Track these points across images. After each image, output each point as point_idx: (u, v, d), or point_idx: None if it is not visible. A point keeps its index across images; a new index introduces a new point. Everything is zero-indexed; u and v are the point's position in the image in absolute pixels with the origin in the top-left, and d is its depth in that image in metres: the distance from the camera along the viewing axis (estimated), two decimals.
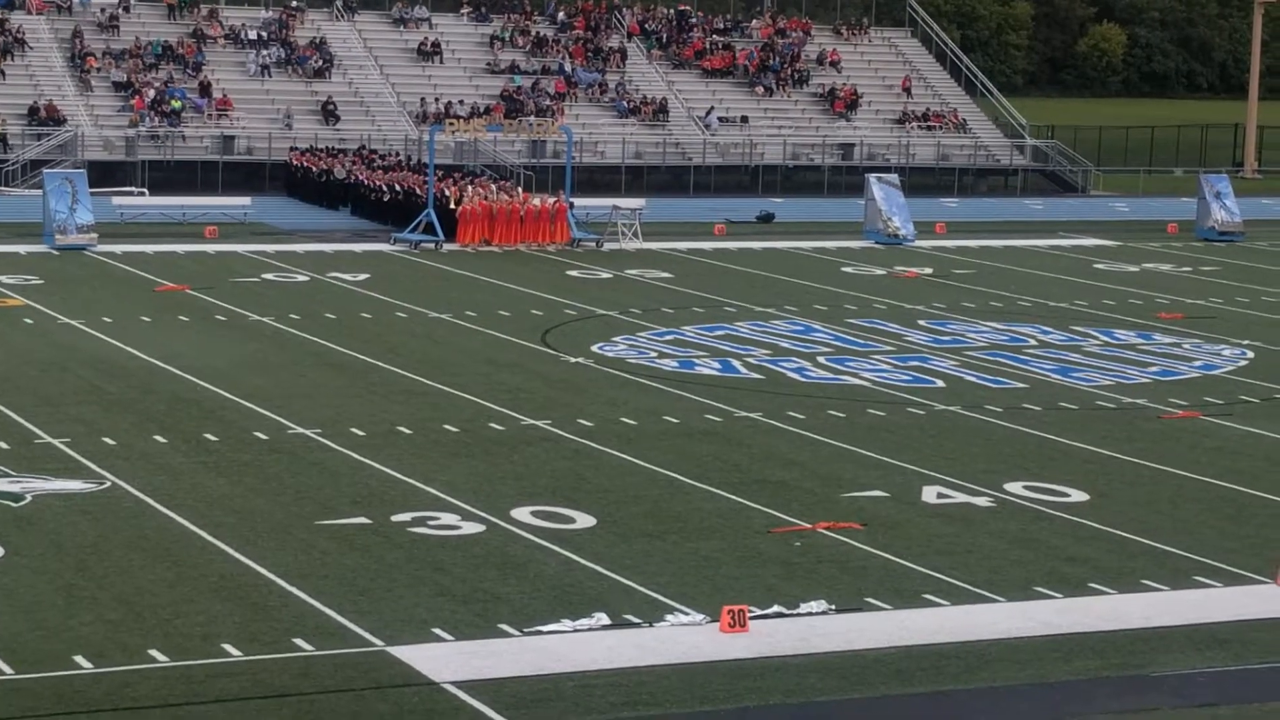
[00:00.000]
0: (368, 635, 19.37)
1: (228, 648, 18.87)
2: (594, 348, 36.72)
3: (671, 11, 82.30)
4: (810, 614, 20.54)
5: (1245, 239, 59.26)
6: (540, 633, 19.66)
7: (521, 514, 24.19)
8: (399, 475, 26.07)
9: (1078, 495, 26.09)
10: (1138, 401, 32.99)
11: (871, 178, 57.93)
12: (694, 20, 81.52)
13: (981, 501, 25.65)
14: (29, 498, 24.27)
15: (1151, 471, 27.77)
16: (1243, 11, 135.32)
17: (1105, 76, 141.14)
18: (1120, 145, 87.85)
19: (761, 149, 73.76)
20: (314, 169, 62.34)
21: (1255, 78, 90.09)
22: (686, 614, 20.36)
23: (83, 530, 22.91)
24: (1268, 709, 18.05)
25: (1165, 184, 79.93)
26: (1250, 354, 38.21)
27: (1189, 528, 24.59)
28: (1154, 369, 36.26)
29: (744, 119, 75.05)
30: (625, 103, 74.11)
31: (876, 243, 55.73)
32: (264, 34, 73.20)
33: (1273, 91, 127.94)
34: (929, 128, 77.26)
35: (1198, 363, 37.14)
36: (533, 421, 29.81)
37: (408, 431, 28.88)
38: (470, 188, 53.61)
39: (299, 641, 19.12)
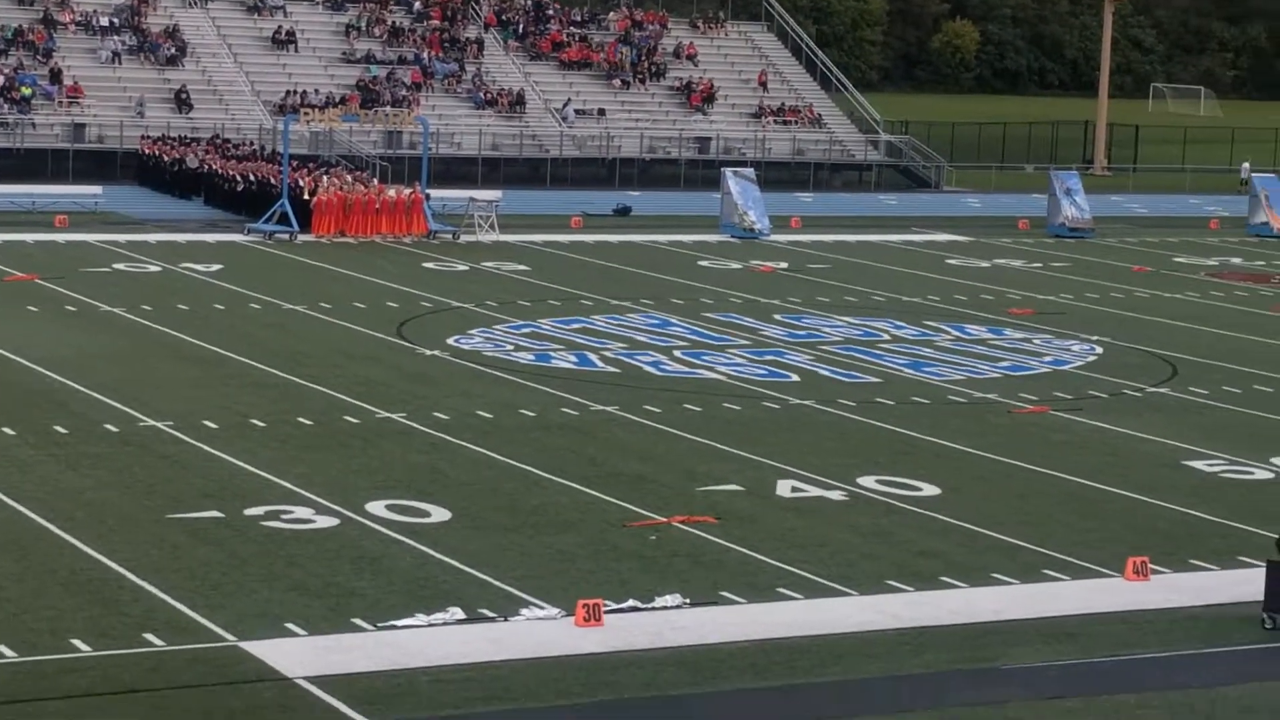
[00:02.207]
0: (220, 630, 19.21)
1: (77, 643, 18.66)
2: (450, 340, 36.61)
3: (528, 3, 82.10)
4: (665, 608, 20.60)
5: (1095, 235, 60.01)
6: (395, 627, 19.59)
7: (376, 508, 24.09)
8: (252, 468, 25.88)
9: (930, 490, 26.33)
10: (989, 396, 33.34)
11: (727, 172, 58.14)
12: (551, 12, 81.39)
13: (835, 495, 25.82)
14: None
15: (1002, 466, 28.07)
16: (1093, 10, 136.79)
17: (959, 73, 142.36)
18: (973, 141, 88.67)
19: (618, 142, 73.81)
20: (166, 158, 61.70)
21: (1105, 75, 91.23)
22: (542, 608, 20.35)
23: None
24: (1116, 701, 18.30)
25: (1017, 180, 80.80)
26: (1099, 349, 38.71)
27: (1039, 522, 24.89)
28: (1005, 364, 36.65)
29: (601, 112, 75.07)
30: (482, 94, 73.91)
31: (732, 237, 55.95)
32: (116, 20, 72.31)
33: (1122, 89, 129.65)
34: (785, 123, 77.64)
35: (1048, 358, 37.58)
36: (388, 414, 29.69)
37: (261, 424, 28.67)
38: (325, 178, 53.28)
39: (150, 637, 18.94)
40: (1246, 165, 71.36)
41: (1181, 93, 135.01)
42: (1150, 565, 22.63)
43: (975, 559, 23.04)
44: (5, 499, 23.79)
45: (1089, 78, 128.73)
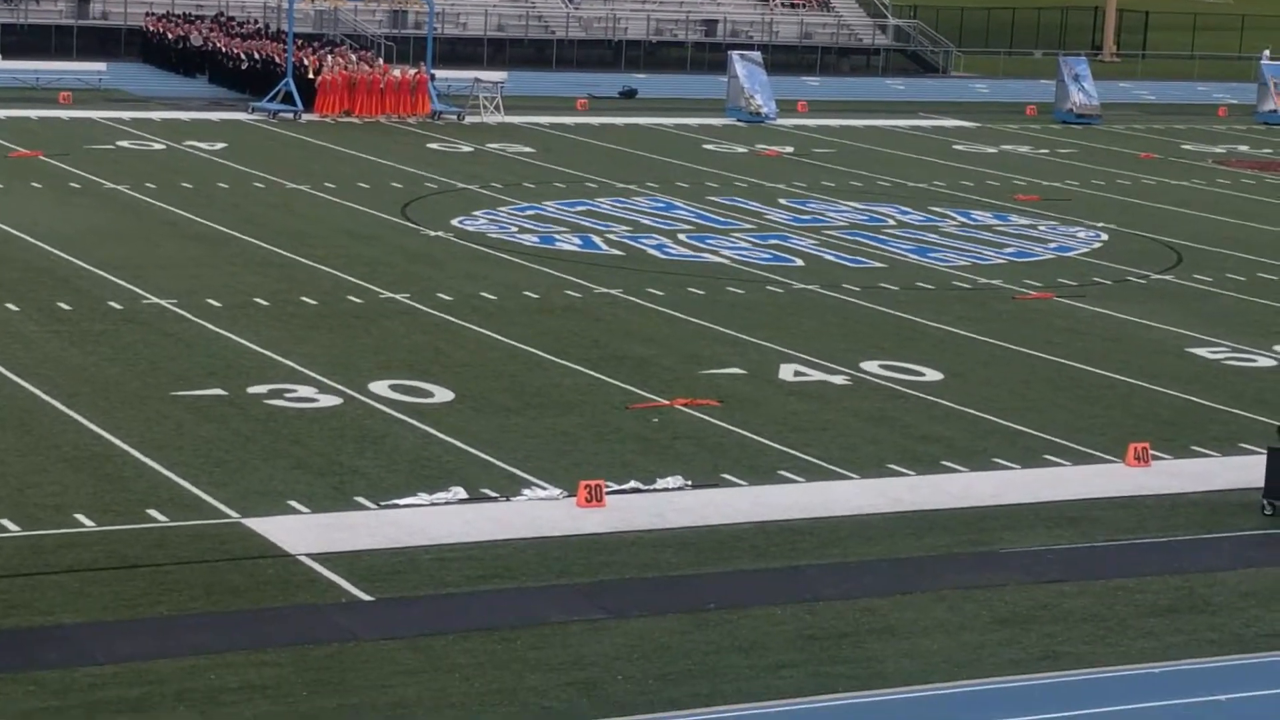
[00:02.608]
0: (223, 507, 19.30)
1: (80, 518, 18.74)
2: (454, 221, 36.55)
3: None
4: (666, 489, 20.68)
5: (1102, 122, 59.74)
6: (397, 506, 19.67)
7: (379, 387, 24.13)
8: (255, 347, 25.91)
9: (932, 375, 26.36)
10: (993, 282, 33.31)
11: (734, 55, 57.81)
12: None
13: (838, 380, 25.85)
14: None
15: (1005, 352, 28.08)
16: None
17: None
18: (981, 26, 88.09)
19: (625, 24, 73.38)
20: (171, 35, 61.37)
21: None
22: (544, 488, 20.43)
23: None
24: (1113, 585, 18.39)
25: (1025, 66, 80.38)
26: (1104, 236, 38.63)
27: (1040, 407, 24.93)
28: (1010, 250, 36.59)
29: None
30: None
31: (738, 120, 55.72)
32: None
33: None
34: (792, 6, 77.13)
35: (1053, 244, 37.51)
36: (391, 295, 29.68)
37: (264, 303, 28.67)
38: (330, 58, 53.01)
39: (153, 512, 19.02)
40: (1267, 53, 70.86)
41: None
42: (1151, 451, 22.68)
43: (976, 444, 23.10)
44: (9, 374, 23.83)
45: None
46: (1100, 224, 40.04)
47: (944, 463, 22.25)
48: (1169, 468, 22.48)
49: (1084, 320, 30.62)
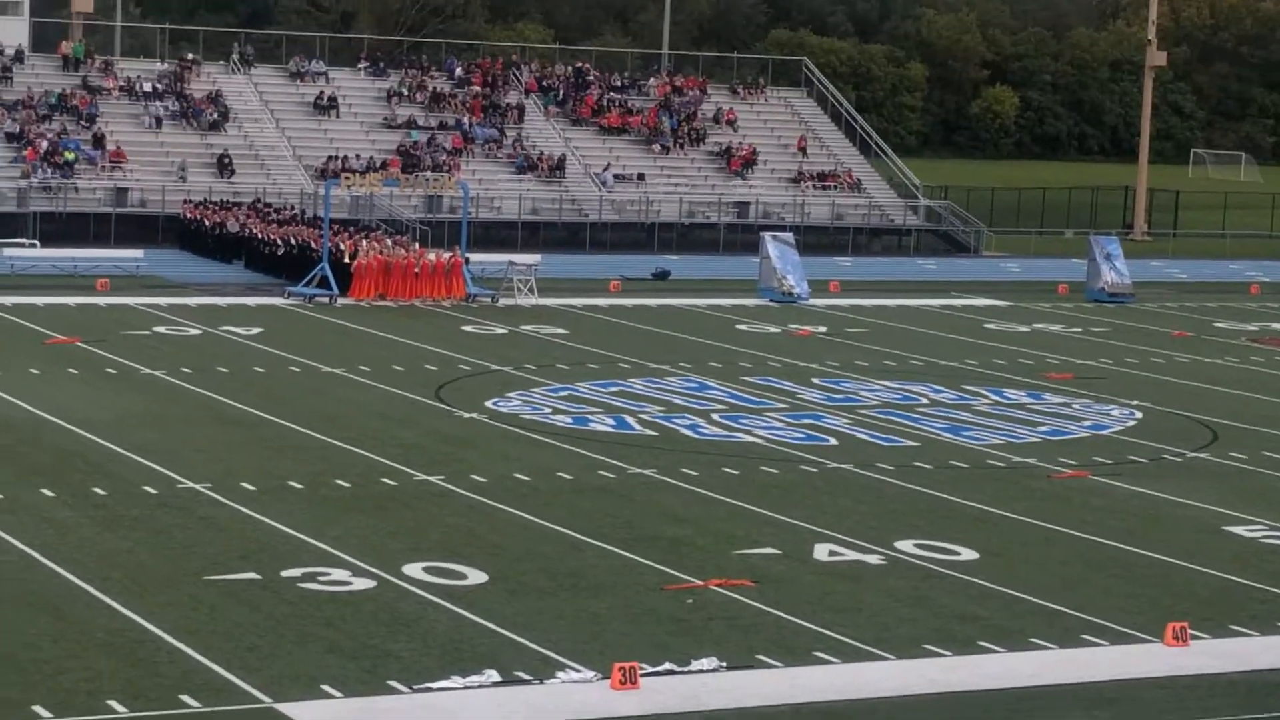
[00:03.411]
0: (256, 692, 19.21)
1: (114, 704, 18.66)
2: (488, 403, 36.66)
3: (569, 69, 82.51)
4: (701, 671, 20.54)
5: (1135, 300, 59.90)
6: (430, 689, 19.56)
7: (413, 570, 24.08)
8: (289, 530, 25.91)
9: (968, 554, 26.23)
10: (1028, 460, 33.24)
11: (767, 236, 58.18)
12: (591, 78, 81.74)
13: (873, 559, 25.74)
14: None
15: (1041, 530, 27.96)
16: (1133, 76, 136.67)
17: (998, 138, 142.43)
18: (1013, 206, 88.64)
19: (658, 206, 73.99)
20: (207, 222, 62.03)
21: (1145, 141, 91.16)
22: (578, 671, 20.31)
23: None
24: None
25: (1056, 245, 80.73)
26: (1139, 414, 38.58)
27: (1078, 587, 24.77)
28: (1044, 428, 36.55)
29: (640, 176, 75.26)
30: (522, 159, 74.20)
31: (771, 301, 55.96)
32: (159, 86, 72.83)
33: (1162, 155, 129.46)
34: (824, 187, 77.74)
35: (1087, 422, 37.46)
36: (425, 477, 29.71)
37: (299, 486, 28.72)
38: (365, 242, 53.49)
39: (186, 698, 18.94)
40: None
41: (1222, 158, 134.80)
42: (1190, 631, 22.48)
43: (1013, 623, 22.94)
44: (43, 559, 23.85)
45: (1129, 144, 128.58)
46: (1135, 402, 40.01)
47: (981, 643, 22.08)
48: (1208, 648, 22.27)
49: (1120, 499, 30.50)
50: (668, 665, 20.58)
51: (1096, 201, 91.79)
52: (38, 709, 18.38)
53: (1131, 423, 37.68)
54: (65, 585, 22.83)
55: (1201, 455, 34.50)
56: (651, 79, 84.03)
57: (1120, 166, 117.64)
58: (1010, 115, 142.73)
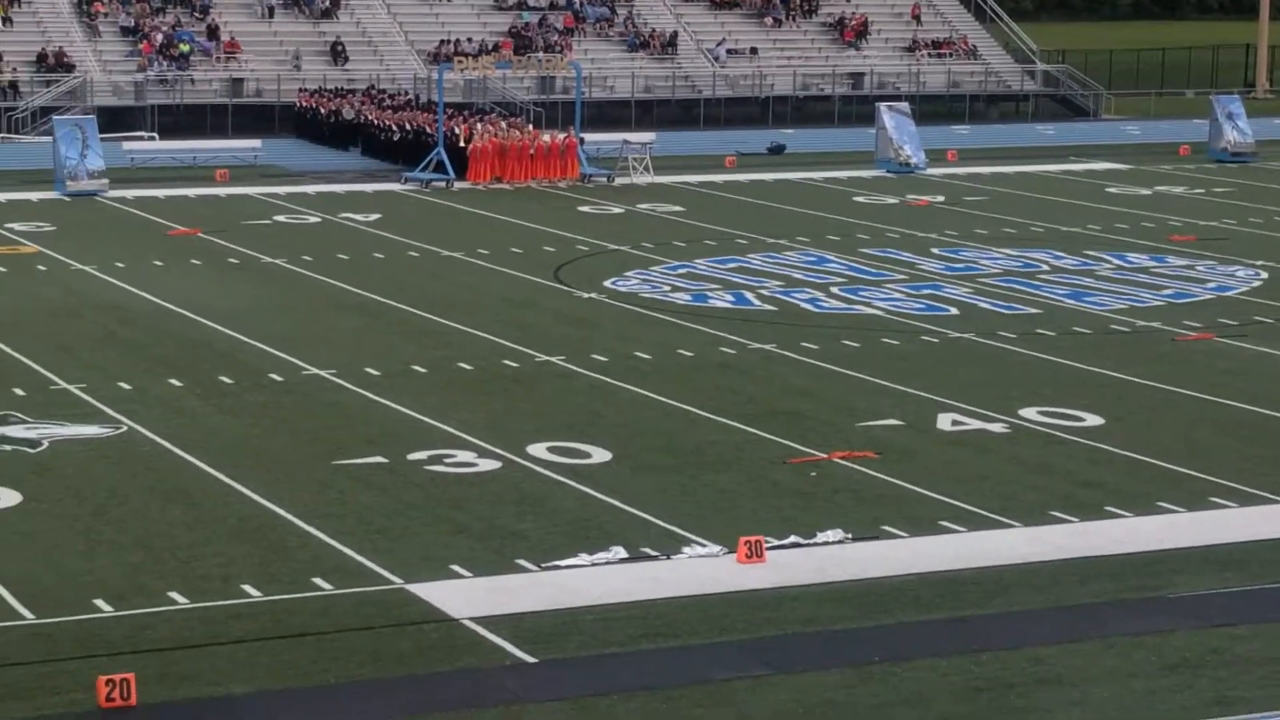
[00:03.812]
0: (386, 573, 19.45)
1: (247, 588, 18.96)
2: (607, 283, 36.71)
3: None
4: (827, 543, 20.61)
5: (1258, 160, 59.06)
6: (558, 567, 19.73)
7: (537, 450, 24.25)
8: (414, 414, 26.13)
9: (1093, 420, 26.10)
10: (1152, 324, 32.96)
11: (882, 106, 57.76)
12: None
13: (996, 428, 25.66)
14: (46, 444, 24.35)
15: (1166, 394, 27.76)
16: None
17: (1115, 0, 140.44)
18: (1131, 68, 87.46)
19: (771, 80, 73.52)
20: (323, 110, 62.22)
21: None
22: (704, 546, 20.42)
23: (100, 475, 23.00)
24: None
25: (1177, 106, 79.63)
26: (1264, 275, 38.14)
27: (1204, 450, 24.61)
28: (1168, 291, 36.21)
29: (753, 50, 74.77)
30: (634, 37, 73.86)
31: (888, 171, 55.61)
32: None
33: None
34: (939, 55, 76.96)
35: (1211, 284, 37.08)
36: (547, 358, 29.84)
37: (422, 370, 28.93)
38: (480, 125, 53.52)
39: (318, 581, 19.21)
40: None
41: None
42: None
43: (1140, 488, 22.83)
44: (173, 449, 24.19)
45: (1248, 1, 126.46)
46: (1260, 262, 39.54)
47: (1107, 508, 22.00)
48: None
49: (1246, 360, 30.21)
50: (793, 538, 20.66)
51: (1217, 60, 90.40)
52: (174, 594, 18.71)
53: (1257, 283, 37.25)
54: (196, 473, 23.16)
55: None
56: None
57: (1240, 24, 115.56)
58: None
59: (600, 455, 24.10)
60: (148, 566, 19.61)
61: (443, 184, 51.15)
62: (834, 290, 36.04)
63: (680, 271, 38.12)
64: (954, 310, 34.15)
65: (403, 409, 26.41)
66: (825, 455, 24.07)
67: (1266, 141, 62.46)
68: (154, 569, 19.53)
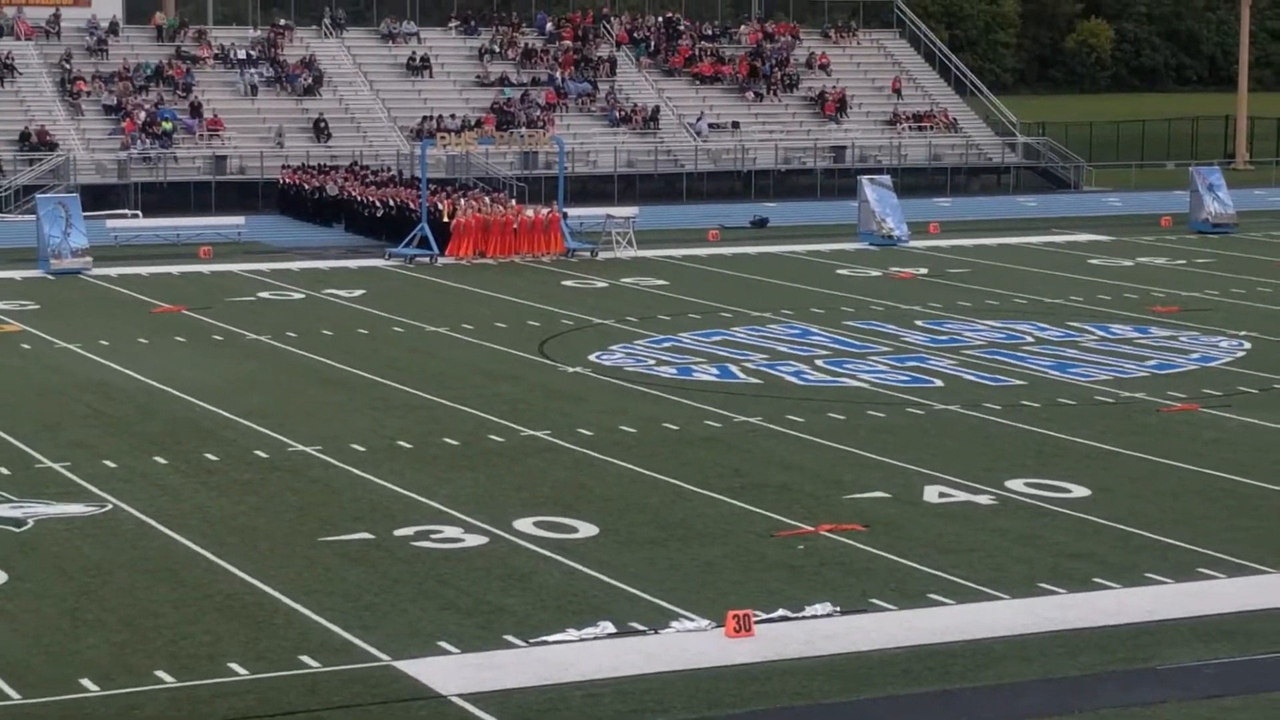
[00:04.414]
0: (374, 650, 19.38)
1: (234, 666, 18.88)
2: (591, 357, 36.74)
3: (659, 19, 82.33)
4: (815, 616, 20.56)
5: (1239, 230, 59.30)
6: (546, 643, 19.67)
7: (524, 525, 24.21)
8: (400, 490, 26.09)
9: (1079, 491, 26.11)
10: (1136, 395, 33.02)
11: (864, 179, 57.96)
12: (682, 28, 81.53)
13: (983, 499, 25.67)
14: (31, 522, 24.28)
15: (1152, 465, 27.79)
16: (1230, 4, 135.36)
17: (1094, 72, 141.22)
18: (1111, 140, 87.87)
19: (753, 154, 73.79)
20: (306, 186, 62.36)
21: (1244, 69, 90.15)
22: (691, 620, 20.37)
23: (86, 553, 22.93)
24: (1274, 698, 18.06)
25: (1157, 178, 79.97)
26: (1247, 345, 38.24)
27: (1191, 520, 24.62)
28: (1151, 362, 36.29)
29: (735, 124, 75.07)
30: (616, 112, 74.16)
31: (871, 244, 55.76)
32: (253, 53, 73.21)
33: (1261, 83, 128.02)
34: (920, 128, 77.31)
35: (1195, 355, 37.17)
36: (532, 432, 29.83)
37: (408, 445, 28.90)
38: (463, 201, 53.64)
39: (305, 658, 19.14)
40: None
41: None
42: None
43: (1128, 559, 22.82)
44: (159, 527, 24.13)
45: (1227, 72, 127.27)
46: (1243, 332, 39.66)
47: (1095, 580, 21.99)
48: None
49: (1231, 430, 30.26)
50: (781, 612, 20.62)
51: (1197, 132, 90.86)
52: (161, 673, 18.63)
53: (1240, 353, 37.36)
54: (183, 551, 23.09)
55: None
56: (743, 26, 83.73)
57: (1219, 96, 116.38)
58: (1106, 48, 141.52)
59: (587, 529, 24.07)
60: (134, 645, 19.53)
61: (426, 259, 51.22)
62: (819, 363, 36.08)
63: (665, 345, 38.16)
64: (939, 382, 34.19)
65: (389, 484, 26.37)
66: (813, 528, 24.05)
67: (1247, 212, 62.74)
68: (140, 648, 19.44)
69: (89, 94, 69.21)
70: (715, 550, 23.14)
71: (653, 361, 36.29)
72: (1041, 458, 28.23)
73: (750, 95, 77.45)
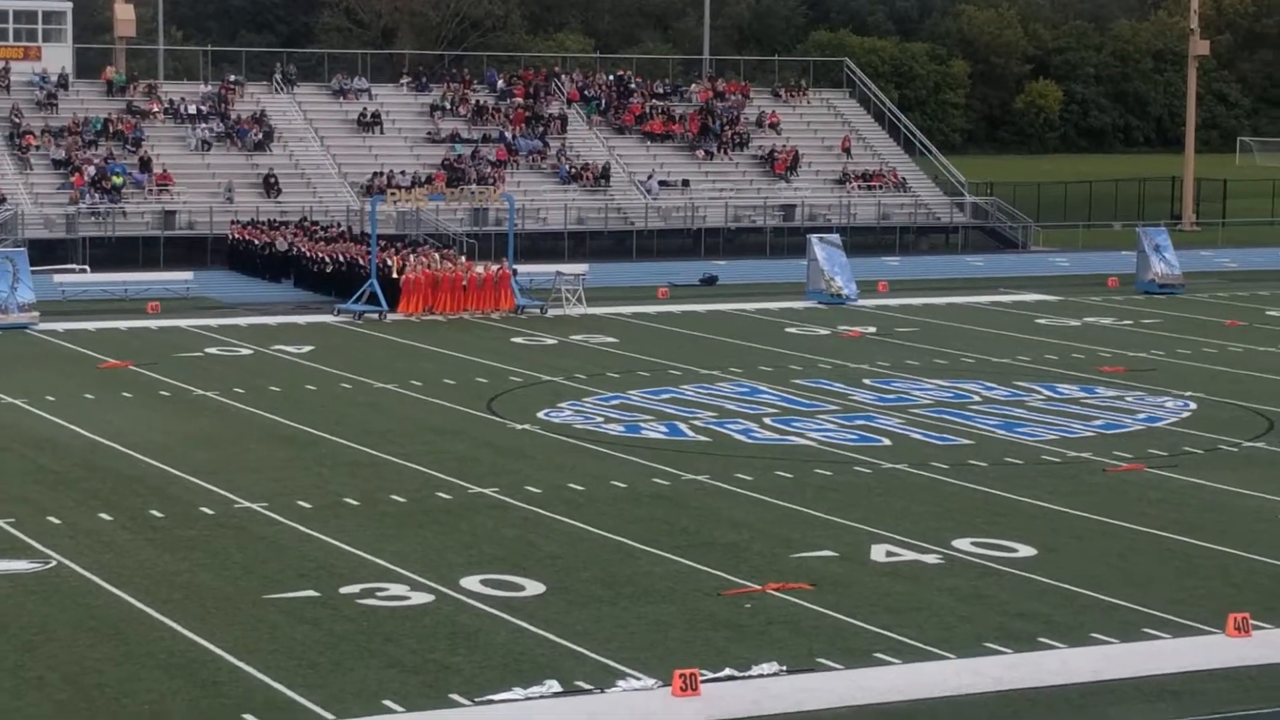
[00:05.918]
0: (318, 709, 19.27)
1: None
2: (540, 414, 36.70)
3: (611, 77, 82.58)
4: (762, 675, 20.53)
5: (1185, 291, 59.64)
6: (492, 702, 19.59)
7: (471, 583, 24.13)
8: (346, 547, 25.98)
9: (1026, 550, 26.16)
10: (1083, 455, 33.12)
11: (813, 238, 58.10)
12: (633, 86, 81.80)
13: (930, 559, 25.69)
14: None
15: (1098, 525, 27.86)
16: (1177, 66, 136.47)
17: (1043, 133, 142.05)
18: (1059, 201, 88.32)
19: (703, 212, 73.98)
20: (256, 242, 62.24)
21: (1191, 131, 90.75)
22: (638, 679, 20.32)
23: (29, 610, 22.76)
24: None
25: (1105, 238, 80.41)
26: (1193, 405, 38.41)
27: (1137, 580, 24.68)
28: (1098, 422, 36.42)
29: (685, 182, 75.28)
30: (567, 169, 74.30)
31: (820, 303, 55.90)
32: (203, 108, 73.16)
33: (1208, 144, 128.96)
34: (869, 187, 77.64)
35: (1141, 415, 37.32)
36: (480, 489, 29.76)
37: (354, 503, 28.80)
38: (413, 257, 53.61)
39: (249, 717, 19.01)
40: None
41: (1269, 145, 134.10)
42: (1252, 621, 22.38)
43: (1074, 619, 22.86)
44: (103, 583, 23.97)
45: (1175, 134, 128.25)
46: (1189, 393, 39.84)
47: (1042, 639, 22.01)
48: (1271, 638, 22.16)
49: (1177, 490, 30.38)
50: (728, 671, 20.58)
51: (1143, 193, 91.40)
52: None
53: (1186, 414, 37.52)
54: (126, 608, 22.94)
55: (1258, 444, 34.32)
56: (693, 85, 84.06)
57: (1166, 157, 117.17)
58: (1054, 109, 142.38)
59: (534, 588, 24.00)
60: (77, 704, 19.38)
61: (376, 315, 51.15)
62: (767, 421, 36.11)
63: (614, 403, 38.15)
64: (886, 441, 34.25)
65: (335, 542, 26.27)
66: (760, 587, 24.03)
67: (1193, 273, 63.13)
68: (83, 706, 19.29)
69: (38, 148, 69.02)
70: (662, 609, 23.10)
71: (601, 419, 36.27)
72: (988, 517, 28.28)
73: (701, 153, 77.70)
